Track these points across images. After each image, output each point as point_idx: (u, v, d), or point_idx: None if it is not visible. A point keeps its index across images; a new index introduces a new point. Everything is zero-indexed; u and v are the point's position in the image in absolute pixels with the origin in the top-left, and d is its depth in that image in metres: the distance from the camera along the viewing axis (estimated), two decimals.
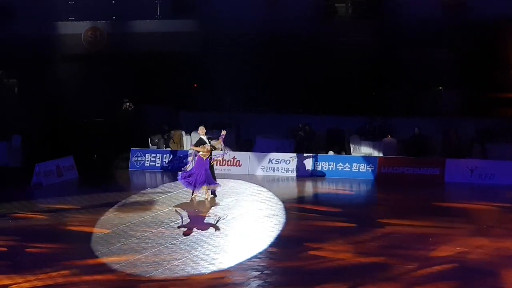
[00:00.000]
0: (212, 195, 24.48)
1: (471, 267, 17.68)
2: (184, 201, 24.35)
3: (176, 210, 23.27)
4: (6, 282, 16.71)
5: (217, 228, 21.00)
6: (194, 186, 23.98)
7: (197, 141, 24.57)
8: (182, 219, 22.31)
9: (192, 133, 30.50)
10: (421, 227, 21.08)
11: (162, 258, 18.34)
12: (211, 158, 24.23)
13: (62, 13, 35.69)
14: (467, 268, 17.62)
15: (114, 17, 36.40)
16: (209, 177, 24.05)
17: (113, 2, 36.24)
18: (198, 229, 21.06)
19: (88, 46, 35.98)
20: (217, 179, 24.50)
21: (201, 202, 24.15)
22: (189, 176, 24.16)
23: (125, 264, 17.92)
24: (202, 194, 24.26)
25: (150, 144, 31.26)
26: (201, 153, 23.89)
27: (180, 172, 25.60)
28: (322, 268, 17.64)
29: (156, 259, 18.24)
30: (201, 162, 23.94)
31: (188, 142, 30.97)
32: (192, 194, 24.17)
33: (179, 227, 21.23)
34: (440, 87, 33.03)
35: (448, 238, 19.94)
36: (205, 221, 22.08)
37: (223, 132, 24.43)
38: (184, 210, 23.46)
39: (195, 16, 35.07)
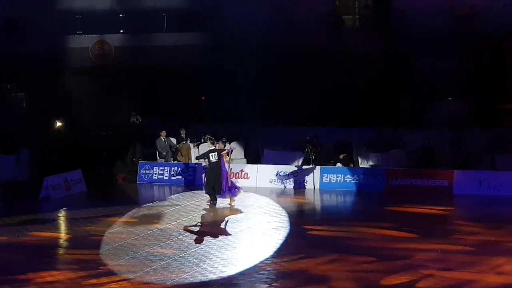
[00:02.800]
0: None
1: None
2: (195, 213, 24.54)
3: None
4: None
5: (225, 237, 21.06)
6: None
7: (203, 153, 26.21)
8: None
9: (200, 146, 30.51)
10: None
11: (170, 271, 18.28)
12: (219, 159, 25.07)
13: (70, 27, 35.86)
14: None
15: (121, 31, 36.54)
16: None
17: (121, 15, 36.38)
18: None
19: (95, 59, 36.12)
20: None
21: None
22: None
23: (133, 277, 17.87)
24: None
25: (158, 157, 31.24)
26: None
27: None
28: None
29: (165, 272, 18.18)
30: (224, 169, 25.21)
31: (196, 155, 30.92)
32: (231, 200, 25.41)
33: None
34: (449, 98, 33.00)
35: None
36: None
37: (232, 147, 25.24)
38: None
39: (202, 29, 35.17)
